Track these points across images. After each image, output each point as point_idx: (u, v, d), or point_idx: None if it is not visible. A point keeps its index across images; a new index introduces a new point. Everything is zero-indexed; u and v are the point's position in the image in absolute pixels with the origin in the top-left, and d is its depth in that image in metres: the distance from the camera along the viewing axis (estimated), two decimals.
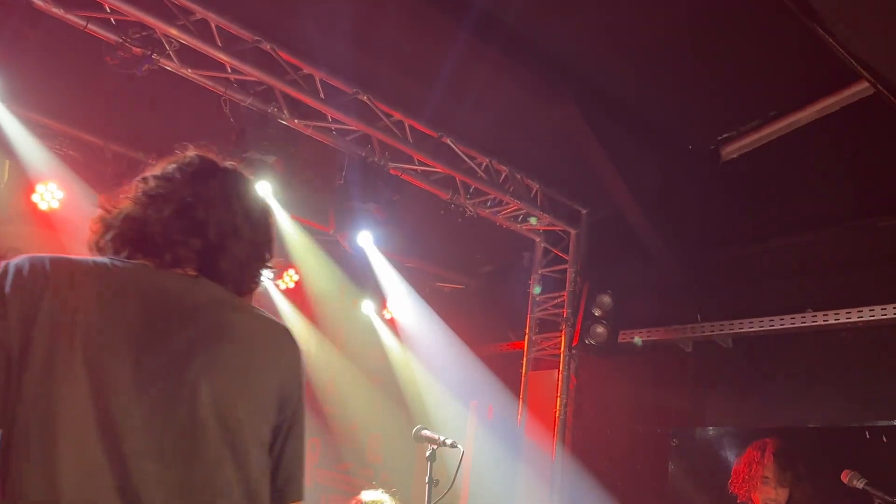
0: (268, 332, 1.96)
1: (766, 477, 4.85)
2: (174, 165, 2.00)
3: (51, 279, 1.76)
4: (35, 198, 5.73)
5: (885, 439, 5.77)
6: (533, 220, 7.05)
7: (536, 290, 7.33)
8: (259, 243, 2.05)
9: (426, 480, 3.49)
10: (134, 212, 1.91)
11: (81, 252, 1.96)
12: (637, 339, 6.95)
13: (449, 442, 3.59)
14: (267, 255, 2.09)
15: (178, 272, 1.91)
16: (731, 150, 6.24)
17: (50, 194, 5.77)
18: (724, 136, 6.20)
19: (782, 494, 4.86)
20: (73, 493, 1.63)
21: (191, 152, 2.08)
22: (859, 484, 4.57)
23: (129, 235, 1.91)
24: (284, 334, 1.99)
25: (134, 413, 1.70)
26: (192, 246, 1.92)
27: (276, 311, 7.30)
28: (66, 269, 1.79)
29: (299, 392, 1.96)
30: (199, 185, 1.99)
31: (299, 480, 1.94)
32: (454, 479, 3.70)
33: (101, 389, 1.69)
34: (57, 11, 4.73)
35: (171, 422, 1.73)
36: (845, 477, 4.61)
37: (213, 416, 1.76)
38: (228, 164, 2.12)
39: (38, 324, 1.70)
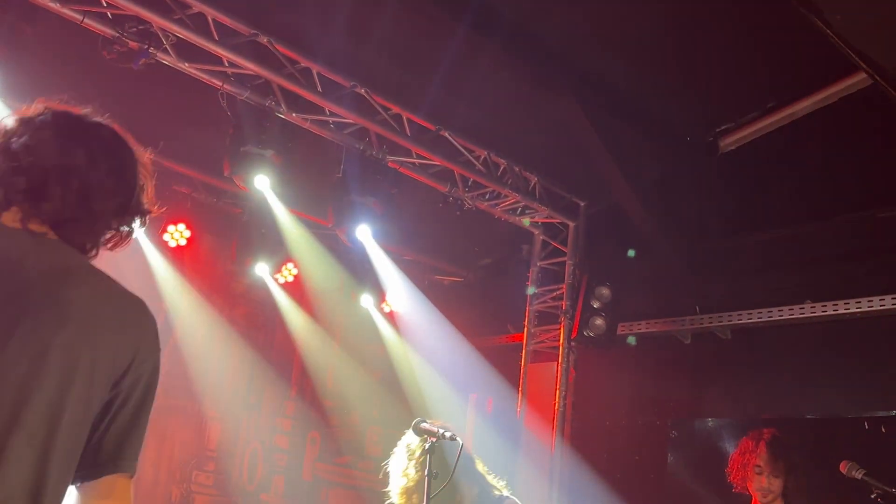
0: (113, 307, 1.88)
1: (759, 466, 4.87)
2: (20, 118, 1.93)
3: None
4: None
5: (883, 430, 5.80)
6: (526, 222, 7.05)
7: (531, 290, 7.33)
8: (108, 189, 1.93)
9: (425, 473, 3.41)
10: None
11: None
12: (631, 339, 6.98)
13: (448, 434, 3.50)
14: (123, 203, 1.97)
15: (24, 229, 1.82)
16: (729, 142, 6.25)
17: None
18: (723, 127, 6.21)
19: (775, 484, 4.88)
20: None
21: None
22: (858, 474, 4.58)
23: None
24: (130, 308, 1.91)
25: None
26: (17, 186, 1.83)
27: (274, 305, 7.33)
28: None
29: (143, 368, 1.88)
30: (38, 131, 1.89)
31: (125, 453, 1.87)
32: (453, 472, 3.68)
33: None
34: (53, 6, 4.71)
35: None
36: (844, 468, 4.62)
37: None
38: (84, 113, 2.01)
39: None
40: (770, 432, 5.05)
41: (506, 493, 3.86)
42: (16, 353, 1.73)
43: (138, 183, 2.02)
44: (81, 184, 1.89)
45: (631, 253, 6.87)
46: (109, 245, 2.01)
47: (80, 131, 1.97)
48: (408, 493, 3.76)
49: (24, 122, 1.91)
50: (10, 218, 1.83)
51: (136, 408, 1.88)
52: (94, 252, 1.96)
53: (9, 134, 1.89)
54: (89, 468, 1.84)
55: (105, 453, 1.85)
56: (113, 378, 1.84)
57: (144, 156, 2.08)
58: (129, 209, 1.99)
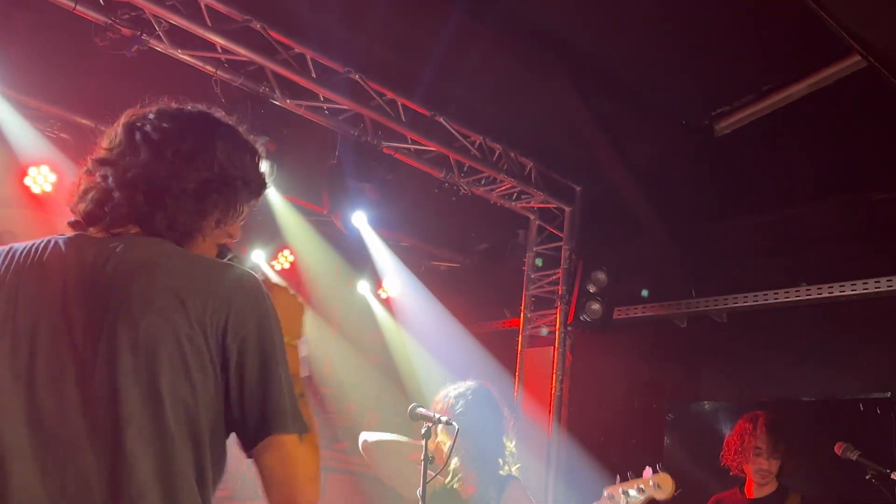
0: (193, 279, 1.85)
1: (759, 448, 4.92)
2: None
3: None
4: (28, 181, 5.69)
5: (878, 411, 5.83)
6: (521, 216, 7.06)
7: (538, 261, 7.34)
8: (180, 174, 1.94)
9: (422, 458, 3.45)
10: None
11: None
12: (644, 291, 6.99)
13: (444, 419, 3.57)
14: (205, 183, 1.96)
15: (107, 236, 1.90)
16: (724, 125, 6.24)
17: (42, 178, 5.73)
18: (718, 110, 6.20)
19: (774, 465, 4.93)
20: None
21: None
22: (853, 456, 4.63)
23: (75, 208, 1.97)
24: (211, 274, 1.87)
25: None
26: (91, 201, 1.92)
27: None
28: None
29: (245, 323, 1.81)
30: (111, 149, 1.97)
31: (270, 412, 1.82)
32: (448, 456, 3.72)
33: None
34: None
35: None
36: (839, 449, 4.67)
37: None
38: (158, 109, 2.06)
39: None
40: (767, 414, 5.10)
41: (514, 473, 3.90)
42: (105, 353, 1.76)
43: (218, 158, 2.00)
44: (145, 179, 1.92)
45: (644, 293, 6.90)
46: (219, 225, 2.01)
47: (144, 128, 2.00)
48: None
49: (101, 156, 1.99)
50: (96, 230, 1.92)
51: (259, 364, 1.81)
52: (194, 236, 1.97)
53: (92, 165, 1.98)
54: (246, 438, 1.83)
55: (252, 419, 1.82)
56: (215, 342, 1.79)
57: (231, 132, 2.09)
58: (213, 187, 1.97)
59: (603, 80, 5.97)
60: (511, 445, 3.97)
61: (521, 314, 7.38)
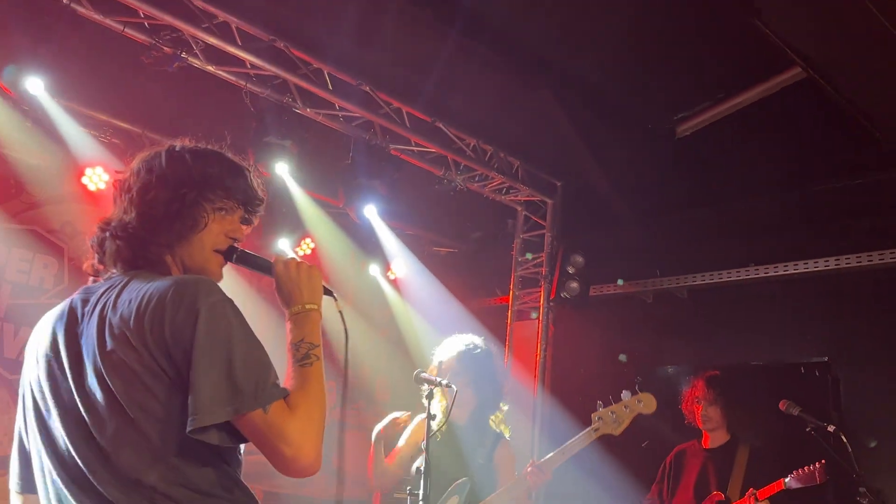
0: (138, 300, 1.81)
1: (698, 397, 5.02)
2: None
3: None
4: (84, 180, 5.71)
5: (817, 374, 5.86)
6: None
7: (528, 255, 7.33)
8: (158, 215, 1.95)
9: (426, 416, 3.45)
10: None
11: None
12: (620, 281, 6.96)
13: (444, 383, 3.56)
14: (175, 214, 1.96)
15: (104, 282, 1.96)
16: (685, 128, 6.24)
17: (97, 177, 5.74)
18: (679, 116, 6.19)
19: (712, 412, 5.01)
20: None
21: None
22: (795, 411, 4.69)
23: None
24: (154, 293, 1.81)
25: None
26: (99, 245, 2.01)
27: None
28: None
29: (177, 326, 1.75)
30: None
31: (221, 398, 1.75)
32: (448, 414, 3.74)
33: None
34: (97, 17, 4.70)
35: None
36: (783, 406, 4.74)
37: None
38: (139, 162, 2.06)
39: None
40: (711, 371, 5.20)
41: (506, 434, 3.89)
42: (84, 391, 1.81)
43: (183, 190, 1.98)
44: (120, 226, 1.97)
45: (622, 357, 6.88)
46: (190, 235, 2.00)
47: (126, 185, 2.04)
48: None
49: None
50: (100, 278, 2.02)
51: (205, 359, 1.73)
52: (163, 259, 1.98)
53: None
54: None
55: (200, 406, 1.74)
56: (161, 354, 1.76)
57: (200, 159, 2.06)
58: (186, 214, 1.97)
59: (579, 90, 5.96)
60: (504, 408, 3.95)
61: (510, 292, 7.38)
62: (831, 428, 4.58)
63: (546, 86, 5.88)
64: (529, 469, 3.71)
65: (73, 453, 1.80)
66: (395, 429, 3.88)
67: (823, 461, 4.48)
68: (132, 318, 1.78)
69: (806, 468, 4.49)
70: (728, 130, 6.00)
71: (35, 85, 4.90)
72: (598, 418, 3.80)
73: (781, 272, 6.02)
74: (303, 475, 1.80)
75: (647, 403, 3.82)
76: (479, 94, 6.13)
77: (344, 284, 7.55)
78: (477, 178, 6.78)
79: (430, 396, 3.50)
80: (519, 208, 7.33)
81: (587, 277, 6.85)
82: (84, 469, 1.78)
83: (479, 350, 3.99)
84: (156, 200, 1.97)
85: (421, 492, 3.23)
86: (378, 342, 7.64)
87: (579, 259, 6.84)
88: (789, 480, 4.51)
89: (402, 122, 6.05)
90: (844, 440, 4.57)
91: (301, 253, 7.32)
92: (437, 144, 6.29)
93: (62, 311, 1.96)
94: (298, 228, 7.01)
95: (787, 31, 4.33)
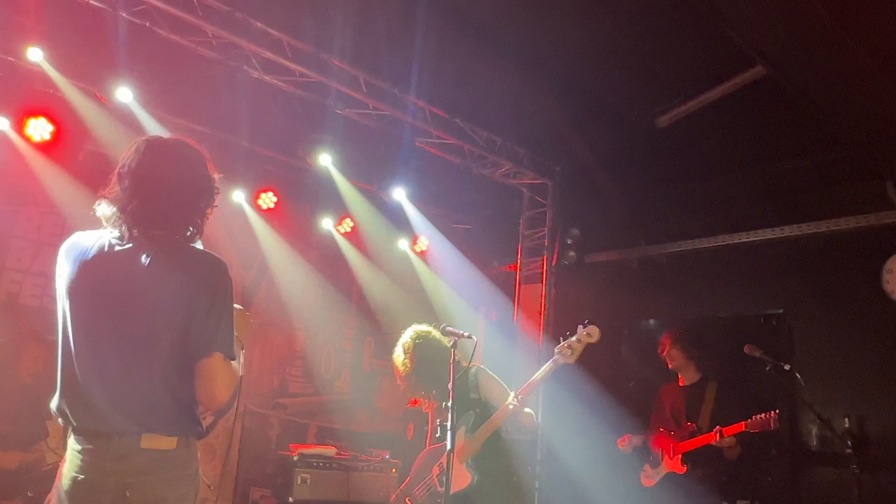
0: (178, 268, 2.09)
1: (664, 344, 5.13)
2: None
3: None
4: None
5: (774, 323, 5.93)
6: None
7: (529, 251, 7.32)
8: (175, 196, 2.13)
9: (451, 362, 3.50)
10: None
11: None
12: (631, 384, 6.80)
13: (466, 334, 3.61)
14: (188, 204, 2.15)
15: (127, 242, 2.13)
16: (663, 120, 6.19)
17: None
18: (658, 109, 6.16)
19: (675, 353, 5.11)
20: None
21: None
22: (757, 353, 4.77)
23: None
24: (189, 264, 2.10)
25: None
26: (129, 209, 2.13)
27: (338, 248, 7.37)
28: None
29: (203, 291, 2.09)
30: (133, 161, 2.17)
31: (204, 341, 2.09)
32: (470, 360, 3.81)
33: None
34: (175, 38, 4.84)
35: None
36: (747, 349, 4.81)
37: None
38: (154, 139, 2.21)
39: None
40: (677, 326, 5.32)
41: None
42: (139, 321, 2.07)
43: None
44: (157, 198, 2.14)
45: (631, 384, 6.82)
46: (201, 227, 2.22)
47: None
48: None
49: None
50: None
51: (205, 314, 2.07)
52: (188, 234, 2.17)
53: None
54: (196, 354, 2.08)
55: (196, 344, 2.08)
56: (188, 304, 2.06)
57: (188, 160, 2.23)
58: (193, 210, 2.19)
59: (573, 89, 5.98)
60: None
61: (518, 260, 7.41)
62: (787, 367, 4.67)
63: (546, 86, 5.91)
64: (513, 399, 3.78)
65: None
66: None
67: (777, 410, 4.48)
68: (173, 279, 2.17)
69: (763, 415, 4.47)
70: (699, 121, 5.97)
71: (125, 94, 5.07)
72: (558, 351, 3.84)
73: (745, 239, 6.05)
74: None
75: (592, 333, 3.84)
76: (491, 94, 6.15)
77: (379, 256, 7.57)
78: (489, 165, 6.80)
79: (454, 346, 3.57)
80: (524, 190, 7.35)
81: (583, 247, 6.89)
82: None
83: (421, 339, 4.03)
84: (182, 184, 2.24)
85: (449, 423, 3.34)
86: (409, 303, 7.64)
87: (576, 232, 6.89)
88: (749, 423, 4.50)
89: (425, 119, 6.10)
90: (798, 376, 4.68)
91: (342, 230, 7.33)
92: (454, 137, 6.32)
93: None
94: (340, 209, 7.06)
95: (751, 34, 4.33)
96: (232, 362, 2.10)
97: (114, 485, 1.97)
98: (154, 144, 2.20)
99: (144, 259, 2.08)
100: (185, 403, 2.07)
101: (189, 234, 2.17)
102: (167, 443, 2.01)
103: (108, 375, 2.01)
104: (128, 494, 1.96)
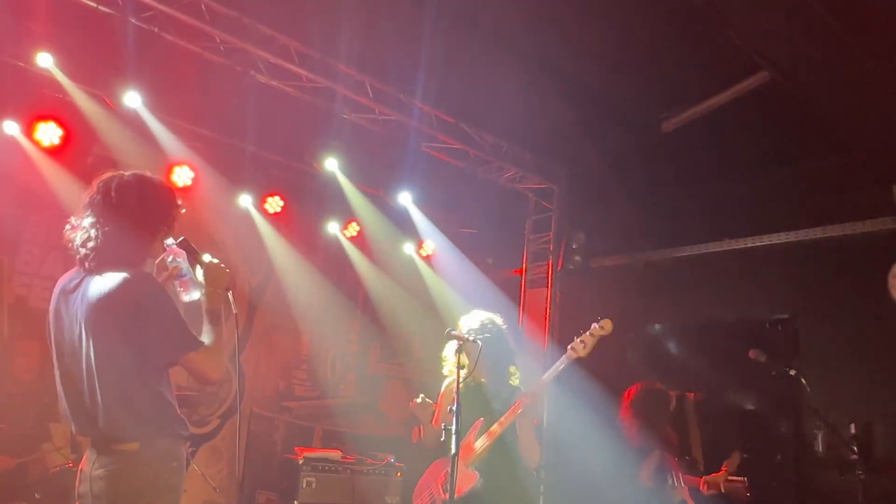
0: (101, 291, 2.34)
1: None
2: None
3: None
4: (174, 177, 5.82)
5: (780, 328, 5.91)
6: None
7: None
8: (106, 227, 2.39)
9: (456, 367, 3.49)
10: None
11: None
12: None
13: (471, 339, 3.61)
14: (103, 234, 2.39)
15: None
16: (668, 125, 6.20)
17: (185, 174, 5.86)
18: (663, 115, 6.13)
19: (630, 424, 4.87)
20: None
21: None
22: (762, 358, 4.73)
23: None
24: (108, 284, 2.33)
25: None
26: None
27: (344, 252, 7.36)
28: None
29: (128, 302, 2.33)
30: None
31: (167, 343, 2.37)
32: (475, 365, 3.72)
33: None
34: (182, 44, 4.87)
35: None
36: (752, 354, 4.76)
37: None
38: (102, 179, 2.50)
39: None
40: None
41: (518, 385, 3.93)
42: (83, 348, 2.36)
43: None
44: (98, 235, 2.40)
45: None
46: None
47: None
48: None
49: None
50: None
51: (141, 330, 2.32)
52: (137, 260, 2.46)
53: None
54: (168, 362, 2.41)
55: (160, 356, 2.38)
56: (119, 324, 2.30)
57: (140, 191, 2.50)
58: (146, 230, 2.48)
59: (580, 93, 5.98)
60: (517, 373, 3.96)
61: (524, 264, 7.40)
62: (793, 372, 4.65)
63: (553, 91, 5.90)
64: (524, 398, 3.77)
65: None
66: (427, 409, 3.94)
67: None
68: (100, 304, 2.48)
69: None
70: (706, 126, 5.96)
71: (133, 99, 5.10)
72: (571, 347, 3.86)
73: (750, 244, 6.05)
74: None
75: (605, 326, 3.86)
76: (496, 99, 6.14)
77: (385, 260, 7.57)
78: (494, 169, 6.80)
79: (459, 350, 3.56)
80: (530, 194, 7.33)
81: (588, 251, 6.88)
82: None
83: (493, 326, 4.01)
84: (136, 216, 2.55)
85: (453, 427, 3.33)
86: (414, 307, 7.63)
87: (581, 236, 6.89)
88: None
89: (430, 124, 6.11)
90: (803, 382, 4.66)
91: (348, 234, 7.34)
92: (460, 141, 6.34)
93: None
94: (346, 213, 7.07)
95: (756, 39, 4.34)
96: (206, 342, 2.38)
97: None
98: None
99: (82, 295, 2.38)
100: (145, 416, 2.36)
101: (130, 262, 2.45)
102: (132, 446, 2.33)
103: (72, 398, 2.42)
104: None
